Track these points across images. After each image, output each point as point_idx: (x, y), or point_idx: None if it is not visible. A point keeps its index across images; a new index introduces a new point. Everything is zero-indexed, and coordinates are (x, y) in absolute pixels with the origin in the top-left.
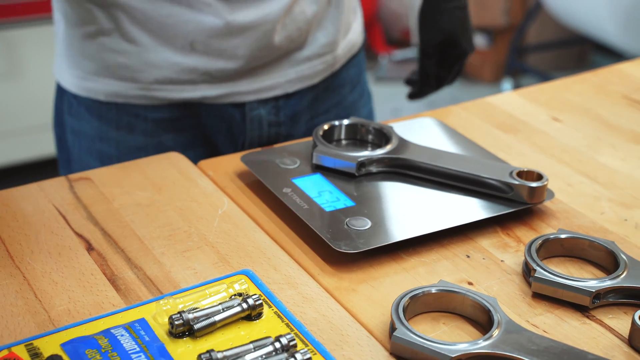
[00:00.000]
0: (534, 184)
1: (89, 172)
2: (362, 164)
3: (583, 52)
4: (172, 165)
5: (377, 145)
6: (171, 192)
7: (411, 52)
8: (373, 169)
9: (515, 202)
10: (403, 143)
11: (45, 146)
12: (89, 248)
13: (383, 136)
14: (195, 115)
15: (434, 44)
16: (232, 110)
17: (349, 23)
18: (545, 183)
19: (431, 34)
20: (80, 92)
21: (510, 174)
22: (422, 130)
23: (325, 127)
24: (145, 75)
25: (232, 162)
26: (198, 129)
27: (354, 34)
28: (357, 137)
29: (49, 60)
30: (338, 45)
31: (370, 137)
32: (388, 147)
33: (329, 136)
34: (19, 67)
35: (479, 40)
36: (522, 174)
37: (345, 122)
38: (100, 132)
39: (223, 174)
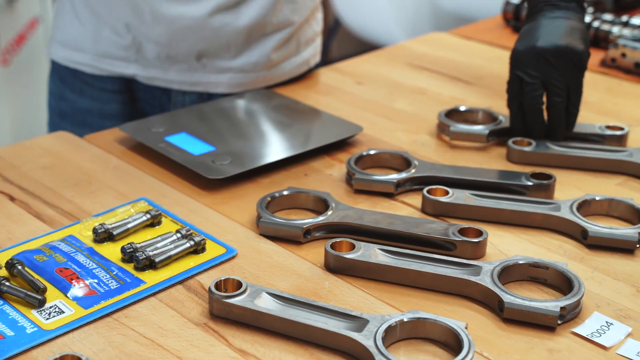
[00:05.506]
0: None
1: None
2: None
3: None
4: (64, 141)
5: None
6: (67, 157)
7: None
8: None
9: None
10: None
11: None
12: (12, 199)
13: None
14: (131, 91)
15: None
16: (160, 94)
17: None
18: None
19: None
20: (53, 57)
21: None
22: (264, 98)
23: None
24: (92, 48)
25: (111, 135)
26: (134, 104)
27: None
28: None
29: None
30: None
31: None
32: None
33: None
34: None
35: None
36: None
37: None
38: (61, 92)
39: (106, 143)
